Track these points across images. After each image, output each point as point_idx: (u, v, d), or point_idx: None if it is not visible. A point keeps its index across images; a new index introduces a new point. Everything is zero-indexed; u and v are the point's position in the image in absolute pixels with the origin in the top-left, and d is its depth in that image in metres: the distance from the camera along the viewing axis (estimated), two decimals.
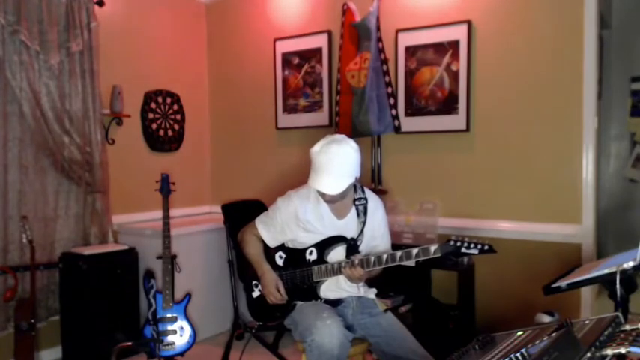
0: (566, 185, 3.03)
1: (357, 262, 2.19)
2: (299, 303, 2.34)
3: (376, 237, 2.41)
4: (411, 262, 2.22)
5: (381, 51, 3.40)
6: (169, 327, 3.13)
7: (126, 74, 3.82)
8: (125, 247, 3.49)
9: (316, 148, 2.22)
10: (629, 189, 4.53)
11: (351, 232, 2.34)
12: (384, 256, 2.18)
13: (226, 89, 4.44)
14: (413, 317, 3.18)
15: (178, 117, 4.26)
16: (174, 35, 4.23)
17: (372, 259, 2.20)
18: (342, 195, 2.24)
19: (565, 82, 3.01)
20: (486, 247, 2.07)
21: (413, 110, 3.46)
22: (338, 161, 2.17)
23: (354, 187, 2.38)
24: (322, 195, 2.26)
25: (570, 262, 2.83)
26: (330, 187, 2.17)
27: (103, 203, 3.54)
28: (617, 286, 1.62)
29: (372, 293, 2.42)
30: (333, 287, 2.33)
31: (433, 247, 2.11)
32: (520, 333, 1.39)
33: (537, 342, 1.17)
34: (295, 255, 2.37)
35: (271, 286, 2.31)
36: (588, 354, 1.13)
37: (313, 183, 2.21)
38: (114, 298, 3.32)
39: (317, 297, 2.32)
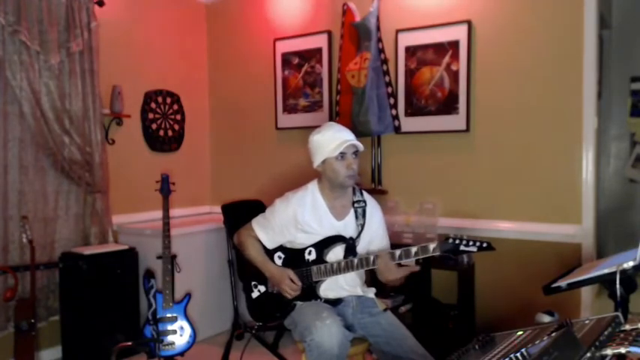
0: (566, 185, 3.03)
1: (397, 254, 2.17)
2: (299, 303, 2.33)
3: (374, 239, 2.41)
4: (411, 262, 2.22)
5: (381, 51, 3.41)
6: (169, 327, 3.13)
7: (126, 74, 3.82)
8: (125, 247, 3.49)
9: (317, 132, 2.31)
10: (629, 189, 4.53)
11: (349, 233, 2.34)
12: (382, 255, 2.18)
13: (226, 89, 4.44)
14: (413, 317, 3.18)
15: (178, 117, 4.26)
16: (174, 35, 4.23)
17: (372, 258, 2.20)
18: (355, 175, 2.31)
19: (565, 82, 3.01)
20: (485, 245, 2.08)
21: (413, 110, 3.46)
22: (346, 130, 2.32)
23: (353, 189, 2.40)
24: (342, 183, 2.27)
25: (570, 262, 2.83)
26: (356, 141, 2.26)
27: (103, 203, 3.54)
28: (617, 286, 1.62)
29: (371, 293, 2.42)
30: (332, 287, 2.33)
31: (432, 246, 2.11)
32: (520, 333, 1.39)
33: (537, 342, 1.17)
34: (294, 255, 2.37)
35: (283, 282, 2.29)
36: (588, 354, 1.13)
37: (339, 147, 2.21)
38: (114, 298, 3.32)
39: (317, 297, 2.32)
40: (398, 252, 2.17)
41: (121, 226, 3.75)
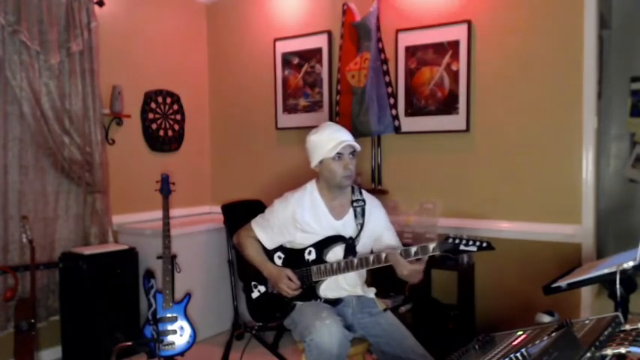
0: (566, 185, 3.03)
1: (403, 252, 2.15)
2: (298, 303, 2.33)
3: (378, 237, 2.41)
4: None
5: (381, 51, 3.41)
6: (169, 327, 3.13)
7: (126, 74, 3.82)
8: (125, 247, 3.49)
9: (314, 132, 2.33)
10: (629, 189, 4.53)
11: (349, 233, 2.34)
12: (383, 255, 2.18)
13: (226, 89, 4.44)
14: (413, 317, 3.18)
15: (178, 117, 4.26)
16: (174, 35, 4.23)
17: (371, 258, 2.20)
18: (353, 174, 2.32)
19: (565, 82, 3.01)
20: (485, 245, 2.07)
21: (413, 110, 3.46)
22: (343, 130, 2.33)
23: (352, 188, 2.40)
24: (339, 183, 2.28)
25: (570, 262, 2.83)
26: (353, 141, 2.27)
27: (103, 203, 3.54)
28: (617, 286, 1.62)
29: (371, 293, 2.42)
30: (332, 287, 2.33)
31: (432, 245, 2.11)
32: (520, 333, 1.39)
33: (537, 342, 1.17)
34: (294, 255, 2.37)
35: (281, 281, 2.29)
36: (588, 354, 1.13)
37: (336, 147, 2.22)
38: (114, 298, 3.32)
39: (316, 297, 2.32)
40: (397, 252, 2.17)
41: (121, 226, 3.75)
